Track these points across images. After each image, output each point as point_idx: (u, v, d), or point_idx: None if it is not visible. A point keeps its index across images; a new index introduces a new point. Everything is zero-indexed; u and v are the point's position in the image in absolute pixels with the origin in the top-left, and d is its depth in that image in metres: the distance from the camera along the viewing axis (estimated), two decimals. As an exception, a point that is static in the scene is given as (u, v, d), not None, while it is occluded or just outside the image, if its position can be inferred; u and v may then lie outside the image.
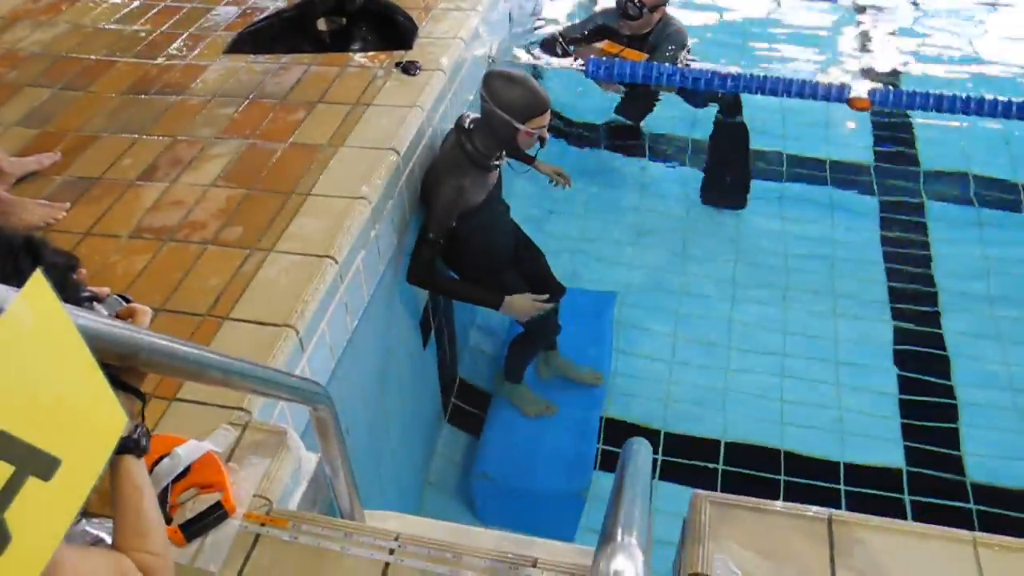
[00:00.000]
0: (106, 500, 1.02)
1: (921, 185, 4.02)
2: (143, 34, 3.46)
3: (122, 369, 1.05)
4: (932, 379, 3.26)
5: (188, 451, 1.61)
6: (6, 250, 0.97)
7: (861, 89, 3.48)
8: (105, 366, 0.78)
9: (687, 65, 3.81)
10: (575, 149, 4.27)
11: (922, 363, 3.32)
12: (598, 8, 4.31)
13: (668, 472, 3.01)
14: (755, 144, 4.12)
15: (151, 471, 1.55)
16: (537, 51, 3.98)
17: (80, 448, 0.74)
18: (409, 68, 3.04)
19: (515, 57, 3.86)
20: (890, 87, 3.65)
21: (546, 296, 2.89)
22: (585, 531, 2.82)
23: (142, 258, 2.32)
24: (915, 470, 2.98)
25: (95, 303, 1.09)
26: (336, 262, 2.26)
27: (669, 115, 4.22)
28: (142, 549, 0.99)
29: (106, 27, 3.53)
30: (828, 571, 1.47)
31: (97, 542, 1.31)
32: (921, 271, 3.68)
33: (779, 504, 1.60)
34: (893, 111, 4.04)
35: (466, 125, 2.70)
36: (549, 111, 2.65)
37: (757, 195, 4.03)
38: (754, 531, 1.53)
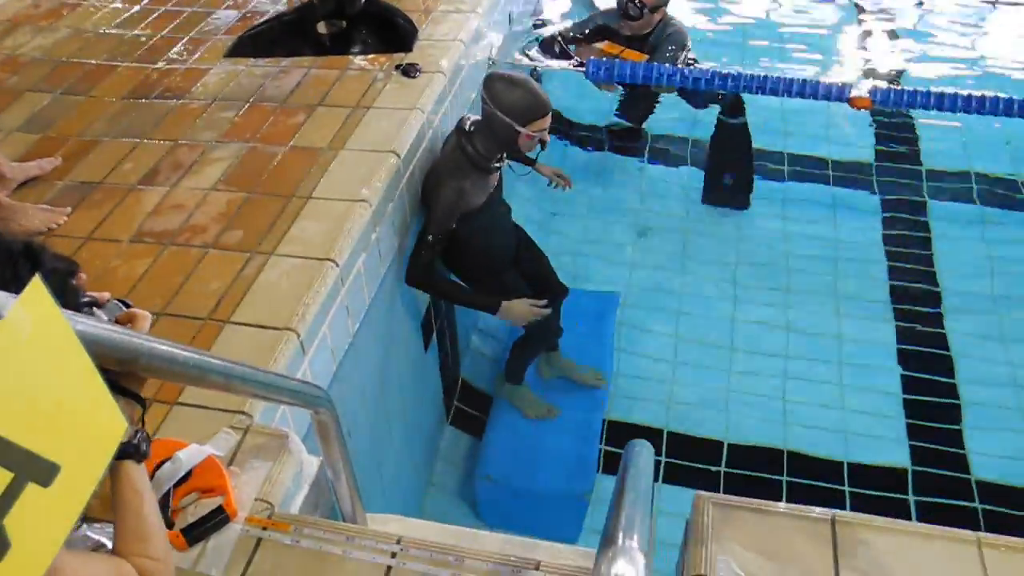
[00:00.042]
0: (107, 505, 1.02)
1: (923, 184, 4.02)
2: (144, 39, 3.46)
3: (122, 374, 1.04)
4: (936, 378, 3.25)
5: (189, 455, 1.61)
6: (5, 256, 0.97)
7: (862, 88, 3.47)
8: (105, 371, 0.78)
9: (687, 65, 3.81)
10: (576, 151, 4.28)
11: (925, 362, 3.32)
12: (598, 8, 4.31)
13: (671, 473, 3.01)
14: (756, 144, 4.12)
15: (152, 476, 1.55)
16: (536, 52, 3.97)
17: (80, 454, 0.73)
18: (409, 71, 3.04)
19: (515, 60, 3.85)
20: (891, 86, 3.63)
21: (544, 301, 2.89)
22: (589, 533, 2.81)
23: (143, 262, 2.32)
24: (920, 470, 2.98)
25: (95, 308, 1.09)
26: (337, 265, 2.26)
27: (670, 116, 4.22)
28: (143, 554, 0.99)
29: (107, 32, 3.54)
30: (832, 572, 1.46)
31: (98, 547, 1.31)
32: (924, 270, 3.67)
33: (782, 505, 1.60)
34: (894, 110, 4.03)
35: (467, 127, 2.70)
36: (550, 114, 2.65)
37: (759, 195, 4.04)
38: (757, 532, 1.53)
